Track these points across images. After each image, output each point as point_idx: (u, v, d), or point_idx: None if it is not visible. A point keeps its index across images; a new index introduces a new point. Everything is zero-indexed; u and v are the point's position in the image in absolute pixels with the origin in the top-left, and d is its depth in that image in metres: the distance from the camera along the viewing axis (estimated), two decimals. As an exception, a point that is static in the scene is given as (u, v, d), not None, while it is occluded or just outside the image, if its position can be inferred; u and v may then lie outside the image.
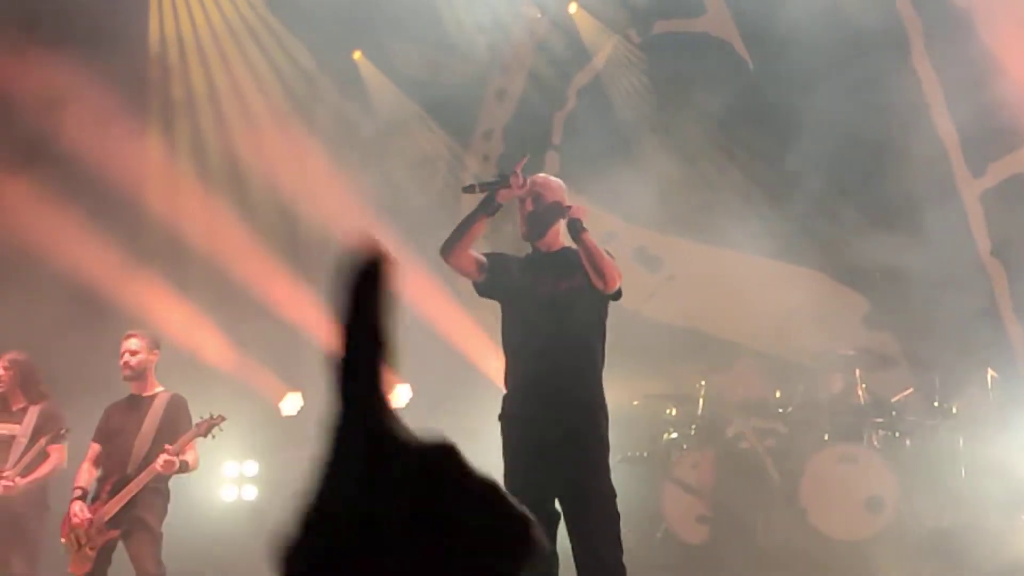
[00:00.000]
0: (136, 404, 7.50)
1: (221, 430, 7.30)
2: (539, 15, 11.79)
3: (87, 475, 7.41)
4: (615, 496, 5.37)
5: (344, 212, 11.38)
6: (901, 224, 9.83)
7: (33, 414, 7.98)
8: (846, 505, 8.63)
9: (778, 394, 9.55)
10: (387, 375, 2.04)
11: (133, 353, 7.46)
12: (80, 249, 10.50)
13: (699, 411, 9.59)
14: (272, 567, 1.85)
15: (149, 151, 11.56)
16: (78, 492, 7.31)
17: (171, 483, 7.43)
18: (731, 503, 9.11)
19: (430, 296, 10.49)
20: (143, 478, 7.16)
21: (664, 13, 11.39)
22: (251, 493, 11.36)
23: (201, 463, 7.57)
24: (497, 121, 12.30)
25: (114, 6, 10.87)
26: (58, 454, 7.98)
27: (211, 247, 11.18)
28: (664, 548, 9.03)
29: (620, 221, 10.64)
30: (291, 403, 11.85)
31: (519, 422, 5.47)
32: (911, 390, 9.42)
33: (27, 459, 7.84)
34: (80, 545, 7.15)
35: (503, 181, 5.54)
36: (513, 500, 1.84)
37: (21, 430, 7.94)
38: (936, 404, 9.05)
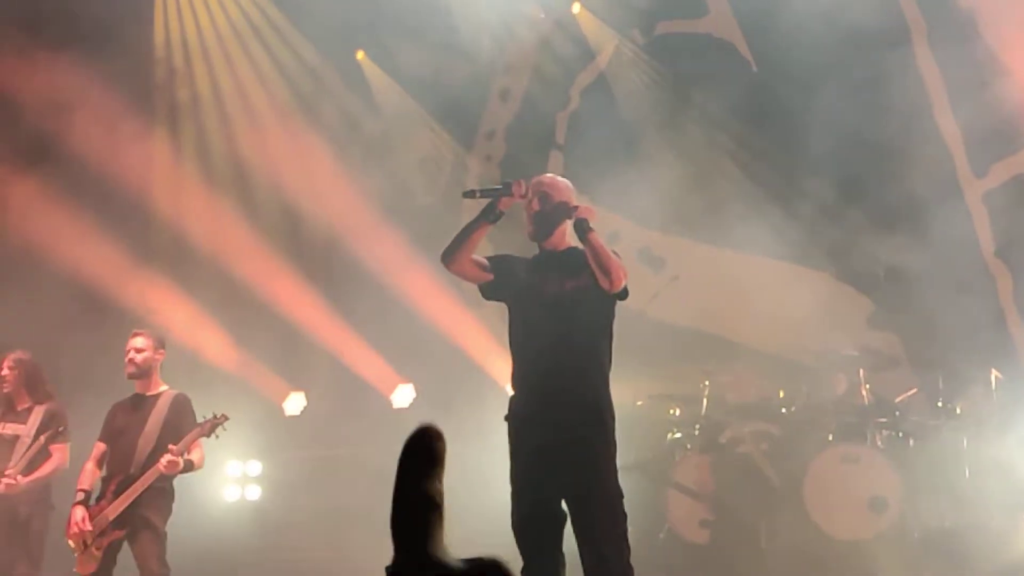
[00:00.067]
0: (140, 403, 7.50)
1: (224, 429, 7.30)
2: (542, 15, 11.80)
3: (90, 476, 7.41)
4: (622, 496, 5.36)
5: (348, 212, 11.40)
6: (905, 225, 9.83)
7: (38, 414, 7.99)
8: (849, 505, 8.63)
9: (782, 394, 9.55)
10: (439, 533, 2.57)
11: (139, 351, 7.47)
12: (85, 249, 10.52)
13: (703, 411, 9.59)
14: None
15: (154, 152, 11.59)
16: (80, 495, 7.30)
17: (175, 483, 7.43)
18: (732, 506, 9.12)
19: (434, 296, 10.49)
20: (147, 478, 7.16)
21: (667, 14, 11.39)
22: (254, 493, 11.38)
23: (205, 462, 7.57)
24: (500, 121, 12.31)
25: (119, 8, 10.90)
26: (60, 454, 7.98)
27: (215, 247, 11.21)
28: (667, 549, 9.05)
29: (624, 221, 10.65)
30: (294, 403, 11.87)
31: (525, 423, 5.46)
32: (915, 390, 9.42)
33: (29, 457, 7.85)
34: (86, 545, 7.16)
35: (505, 189, 5.53)
36: None
37: (25, 430, 7.95)
38: (940, 404, 9.05)
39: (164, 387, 7.56)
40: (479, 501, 9.19)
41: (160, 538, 7.24)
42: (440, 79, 11.98)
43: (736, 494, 9.16)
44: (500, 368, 10.68)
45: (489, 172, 12.20)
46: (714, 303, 10.35)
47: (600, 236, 5.55)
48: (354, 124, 12.28)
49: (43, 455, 7.92)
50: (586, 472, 5.31)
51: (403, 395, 11.60)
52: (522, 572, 5.33)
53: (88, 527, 7.12)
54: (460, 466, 10.27)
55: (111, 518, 7.15)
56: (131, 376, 7.51)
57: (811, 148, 10.10)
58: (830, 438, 9.05)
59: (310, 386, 11.85)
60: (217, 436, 7.30)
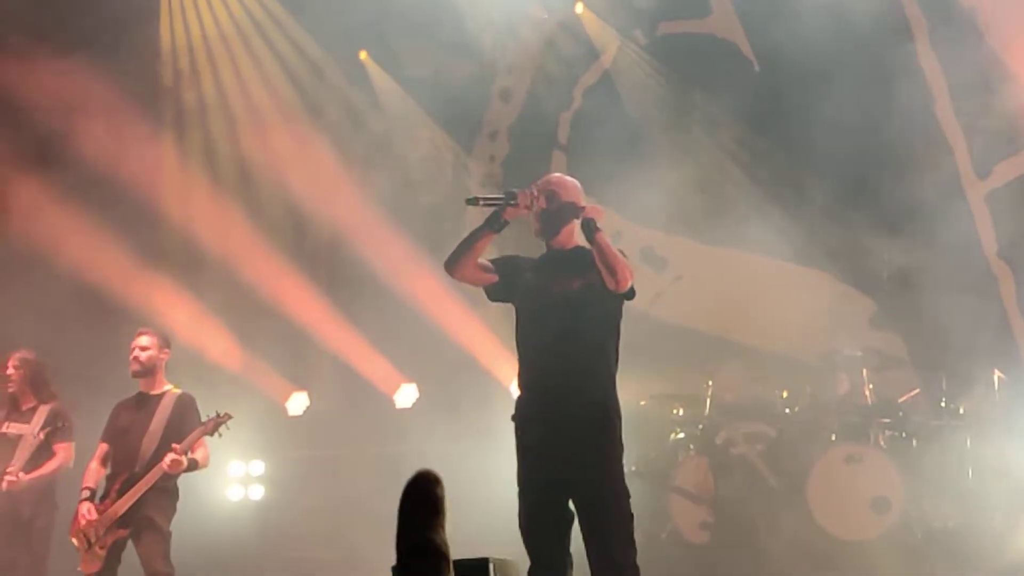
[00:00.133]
0: (144, 402, 7.51)
1: (228, 428, 7.32)
2: (545, 16, 11.80)
3: (95, 474, 7.42)
4: (628, 496, 5.35)
5: (351, 212, 11.41)
6: (908, 225, 9.84)
7: (42, 414, 8.00)
8: (852, 505, 8.62)
9: (785, 394, 9.55)
10: None
11: (143, 349, 7.49)
12: (90, 250, 10.54)
13: (706, 411, 9.60)
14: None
15: (160, 153, 11.60)
16: (86, 493, 7.32)
17: (178, 482, 7.44)
18: (731, 508, 9.13)
19: (437, 296, 10.50)
20: (151, 477, 7.17)
21: (670, 14, 11.40)
22: (257, 492, 11.39)
23: (209, 461, 7.58)
24: (503, 121, 12.31)
25: (126, 11, 10.91)
26: (64, 452, 7.99)
27: (220, 247, 11.23)
28: (670, 549, 9.06)
29: (626, 221, 10.65)
30: (297, 403, 11.88)
31: (532, 422, 5.45)
32: (918, 391, 9.42)
33: (30, 454, 7.86)
34: (90, 544, 7.17)
35: (510, 198, 5.52)
36: None
37: (29, 429, 7.96)
38: (943, 405, 9.05)
39: (168, 386, 7.57)
40: (484, 501, 9.23)
41: (164, 537, 7.26)
42: (443, 79, 11.99)
43: (734, 496, 9.17)
44: (503, 368, 10.71)
45: (492, 172, 12.20)
46: (717, 303, 10.34)
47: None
48: (358, 124, 12.29)
49: (46, 453, 7.93)
50: (593, 472, 5.31)
51: (406, 395, 11.61)
52: (529, 572, 5.34)
53: (94, 516, 7.14)
54: (464, 466, 10.34)
55: (115, 517, 7.16)
56: (135, 374, 7.52)
57: (813, 148, 10.11)
58: (833, 438, 9.05)
59: (313, 386, 11.87)
60: (220, 435, 7.31)
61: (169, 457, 7.12)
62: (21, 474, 7.79)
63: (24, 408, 8.08)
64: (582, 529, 5.33)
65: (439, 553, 2.36)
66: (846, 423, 9.10)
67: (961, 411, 9.00)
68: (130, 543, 7.29)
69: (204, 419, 7.33)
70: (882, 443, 9.02)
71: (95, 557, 7.19)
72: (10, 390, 8.09)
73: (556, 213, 5.59)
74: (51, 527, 7.98)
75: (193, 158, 12.04)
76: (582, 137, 11.64)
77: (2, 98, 10.71)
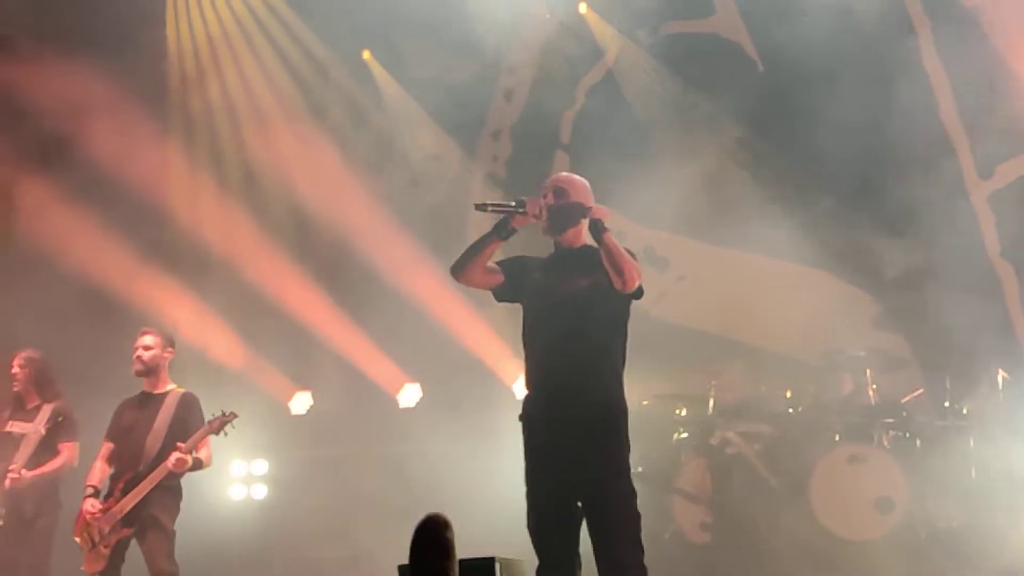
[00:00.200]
0: (148, 401, 7.52)
1: (233, 427, 7.32)
2: (548, 15, 11.80)
3: (99, 473, 7.43)
4: (635, 495, 5.34)
5: (355, 211, 11.41)
6: (911, 225, 9.85)
7: (46, 412, 8.01)
8: (856, 505, 8.62)
9: (789, 394, 9.55)
10: None
11: (147, 348, 7.50)
12: (95, 250, 10.56)
13: (709, 411, 9.61)
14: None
15: (165, 154, 11.60)
16: (90, 490, 7.34)
17: (182, 481, 7.44)
18: (730, 508, 9.14)
19: (440, 296, 10.50)
20: (155, 476, 7.18)
21: (673, 14, 11.39)
22: (260, 492, 11.39)
23: (212, 461, 7.58)
24: (506, 121, 12.31)
25: (132, 13, 10.92)
26: (69, 451, 8.00)
27: (224, 247, 11.22)
28: (673, 549, 9.06)
29: (629, 221, 10.64)
30: (300, 402, 11.87)
31: (539, 422, 5.44)
32: (921, 391, 9.43)
33: (33, 451, 7.86)
34: (94, 543, 7.17)
35: (519, 206, 5.52)
36: None
37: (32, 428, 7.97)
38: (946, 405, 9.05)
39: (172, 386, 7.58)
40: (488, 500, 9.23)
41: (168, 536, 7.26)
42: (446, 79, 11.98)
43: (733, 496, 9.17)
44: (506, 368, 10.72)
45: (495, 172, 12.20)
46: (720, 303, 10.34)
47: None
48: (361, 124, 12.29)
49: (49, 451, 7.94)
50: (600, 472, 5.30)
51: (409, 395, 11.60)
52: (537, 572, 5.33)
53: (97, 509, 7.14)
54: (468, 466, 10.37)
55: (119, 516, 7.16)
56: (138, 373, 7.53)
57: (816, 149, 10.12)
58: (837, 438, 9.05)
59: (316, 385, 11.85)
60: (226, 434, 7.31)
61: (174, 456, 7.12)
62: (24, 471, 7.80)
63: (29, 407, 8.10)
64: (589, 529, 5.32)
65: None
66: (850, 423, 9.10)
67: (965, 411, 9.01)
68: (134, 542, 7.29)
69: (208, 418, 7.33)
70: (886, 443, 9.02)
71: (99, 556, 7.20)
72: (15, 389, 8.11)
73: (563, 211, 5.59)
74: (54, 526, 7.98)
75: (198, 158, 12.04)
76: (585, 137, 11.64)
77: (8, 99, 10.72)
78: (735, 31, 11.14)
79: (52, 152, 11.00)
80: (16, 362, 8.12)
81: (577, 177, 5.78)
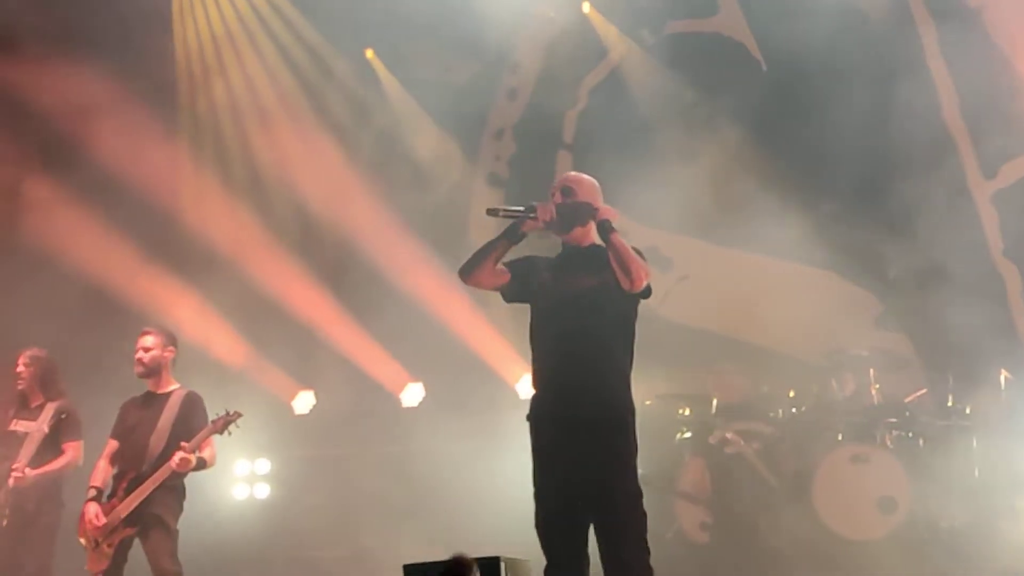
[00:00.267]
0: (151, 401, 7.51)
1: (238, 426, 7.30)
2: (551, 15, 11.80)
3: (103, 473, 7.42)
4: (641, 496, 5.34)
5: (358, 211, 11.42)
6: (914, 225, 9.85)
7: (49, 411, 8.02)
8: (859, 505, 8.63)
9: (791, 394, 9.56)
10: None
11: (146, 350, 7.48)
12: (100, 250, 10.58)
13: (712, 411, 9.62)
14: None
15: (170, 154, 11.60)
16: (92, 492, 7.32)
17: (185, 480, 7.44)
18: (730, 508, 9.14)
19: (443, 295, 10.50)
20: (159, 475, 7.17)
21: (677, 13, 11.40)
22: (263, 491, 11.39)
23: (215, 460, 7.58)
24: (508, 120, 12.31)
25: (137, 15, 10.93)
26: (73, 451, 8.00)
27: (227, 246, 11.23)
28: (676, 549, 9.07)
29: (632, 221, 10.64)
30: (303, 401, 11.88)
31: (546, 422, 5.43)
32: (924, 391, 9.42)
33: (37, 450, 7.87)
34: (97, 543, 7.17)
35: (529, 211, 5.52)
36: None
37: (36, 426, 7.97)
38: (949, 405, 9.06)
39: (175, 385, 7.56)
40: (492, 500, 9.25)
41: (172, 535, 7.25)
42: (449, 78, 11.99)
43: (732, 495, 9.18)
44: (509, 367, 10.72)
45: (498, 171, 12.21)
46: (723, 303, 10.36)
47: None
48: (364, 123, 12.30)
49: (53, 450, 7.94)
50: (606, 472, 5.29)
51: (412, 394, 11.60)
52: (545, 572, 5.33)
53: (102, 522, 7.14)
54: (471, 465, 10.36)
55: (123, 515, 7.16)
56: (140, 375, 7.52)
57: (820, 149, 10.13)
58: (840, 438, 9.06)
59: (319, 385, 11.86)
60: (230, 433, 7.30)
61: (178, 455, 7.12)
62: (28, 470, 7.80)
63: (32, 405, 8.10)
64: (595, 529, 5.31)
65: None
66: (852, 423, 9.11)
67: (968, 411, 9.02)
68: (137, 541, 7.29)
69: (212, 417, 7.32)
70: (889, 443, 9.02)
71: (102, 555, 7.19)
72: (19, 387, 8.11)
73: (571, 210, 5.59)
74: (56, 525, 7.98)
75: (203, 158, 12.05)
76: (588, 136, 11.64)
77: (14, 100, 10.74)
78: (739, 30, 11.15)
79: (57, 152, 11.02)
80: (21, 361, 8.13)
81: (586, 177, 5.78)
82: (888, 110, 9.97)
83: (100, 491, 7.32)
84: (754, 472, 9.21)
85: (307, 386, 11.89)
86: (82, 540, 7.28)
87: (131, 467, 7.30)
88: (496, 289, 5.69)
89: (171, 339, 7.61)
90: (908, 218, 9.95)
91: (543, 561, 5.35)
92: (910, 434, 9.10)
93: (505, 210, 5.57)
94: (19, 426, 8.01)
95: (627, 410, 5.44)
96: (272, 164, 11.97)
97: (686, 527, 9.30)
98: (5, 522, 7.83)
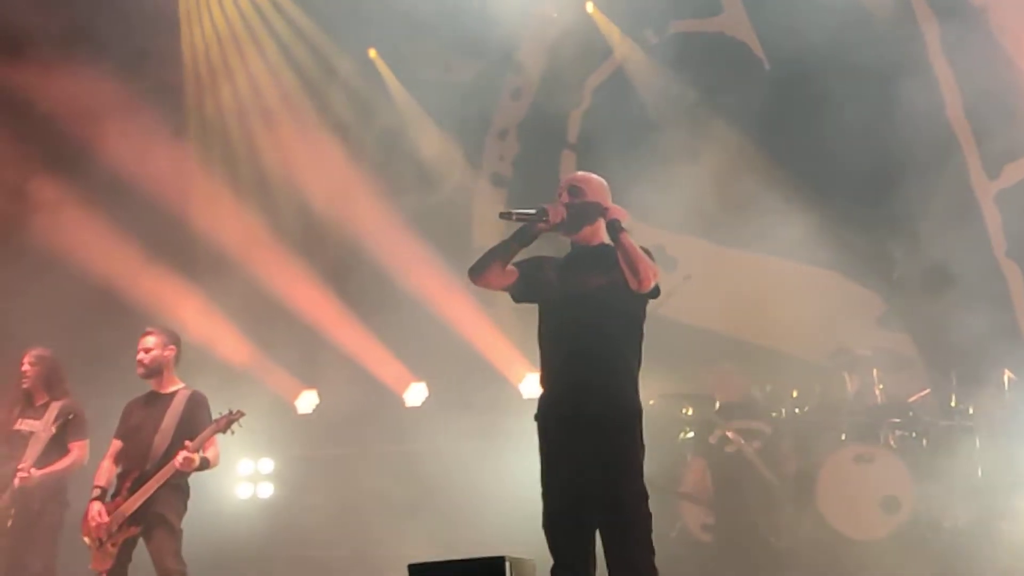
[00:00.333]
0: (155, 400, 7.51)
1: (240, 426, 7.31)
2: (555, 14, 11.80)
3: (107, 472, 7.42)
4: (647, 497, 5.34)
5: (361, 211, 11.43)
6: (917, 225, 9.85)
7: (54, 410, 8.02)
8: (862, 505, 8.63)
9: (795, 394, 9.57)
10: None
11: (147, 351, 7.48)
12: (106, 251, 10.61)
13: (715, 411, 9.62)
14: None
15: (175, 155, 11.61)
16: (97, 491, 7.32)
17: (189, 479, 7.45)
18: (731, 508, 9.14)
19: (447, 295, 10.51)
20: (163, 475, 7.17)
21: (680, 13, 11.40)
22: (266, 490, 11.41)
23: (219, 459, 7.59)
24: (512, 120, 12.32)
25: (143, 19, 10.95)
26: (79, 450, 8.01)
27: (231, 246, 11.24)
28: (680, 548, 9.08)
29: (636, 221, 10.64)
30: (307, 401, 11.89)
31: (554, 422, 5.43)
32: (928, 391, 9.43)
33: (43, 451, 7.88)
34: (101, 542, 7.18)
35: (540, 214, 5.53)
36: None
37: (40, 425, 7.98)
38: (953, 405, 9.07)
39: (180, 384, 7.56)
40: (496, 499, 9.25)
41: (176, 535, 7.25)
42: (452, 78, 12.00)
43: (734, 495, 9.18)
44: (512, 367, 10.73)
45: (501, 171, 12.21)
46: (726, 303, 10.36)
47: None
48: (368, 123, 12.31)
49: (59, 450, 7.95)
50: (613, 473, 5.28)
51: (415, 394, 11.62)
52: (552, 572, 5.33)
53: (105, 519, 7.15)
54: (475, 465, 10.34)
55: (127, 514, 7.17)
56: (142, 376, 7.52)
57: (823, 148, 10.12)
58: (843, 438, 9.06)
59: (322, 384, 11.88)
60: (233, 432, 7.31)
61: (182, 455, 7.12)
62: (33, 470, 7.81)
63: (37, 404, 8.11)
64: (600, 529, 5.31)
65: None
66: (856, 423, 9.11)
67: (971, 411, 9.02)
68: (141, 541, 7.30)
69: (216, 416, 7.33)
70: (892, 443, 9.02)
71: (106, 555, 7.19)
72: (24, 386, 8.13)
73: (579, 209, 5.59)
74: (60, 524, 7.98)
75: (209, 159, 12.06)
76: (592, 136, 11.64)
77: (23, 102, 10.78)
78: (742, 30, 11.16)
79: (64, 153, 11.04)
80: (26, 360, 8.14)
81: (594, 176, 5.77)
82: (891, 110, 9.96)
83: (104, 490, 7.33)
84: (755, 472, 9.21)
85: (310, 386, 11.91)
86: (86, 539, 7.28)
87: (135, 466, 7.31)
88: (505, 289, 5.69)
89: (172, 338, 7.60)
90: (911, 218, 9.95)
91: (548, 561, 5.35)
92: (913, 434, 9.10)
93: (518, 214, 5.58)
94: (24, 425, 8.02)
95: (634, 410, 5.44)
96: (277, 164, 11.99)
97: (690, 527, 9.32)
98: (10, 522, 7.83)
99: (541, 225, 5.52)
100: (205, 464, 7.29)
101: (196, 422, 7.36)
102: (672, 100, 11.18)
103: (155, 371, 7.49)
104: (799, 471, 9.12)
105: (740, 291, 10.24)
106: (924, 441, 9.09)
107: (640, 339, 5.58)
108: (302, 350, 11.61)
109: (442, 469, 10.27)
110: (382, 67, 12.31)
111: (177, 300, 10.71)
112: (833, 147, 10.02)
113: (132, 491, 7.20)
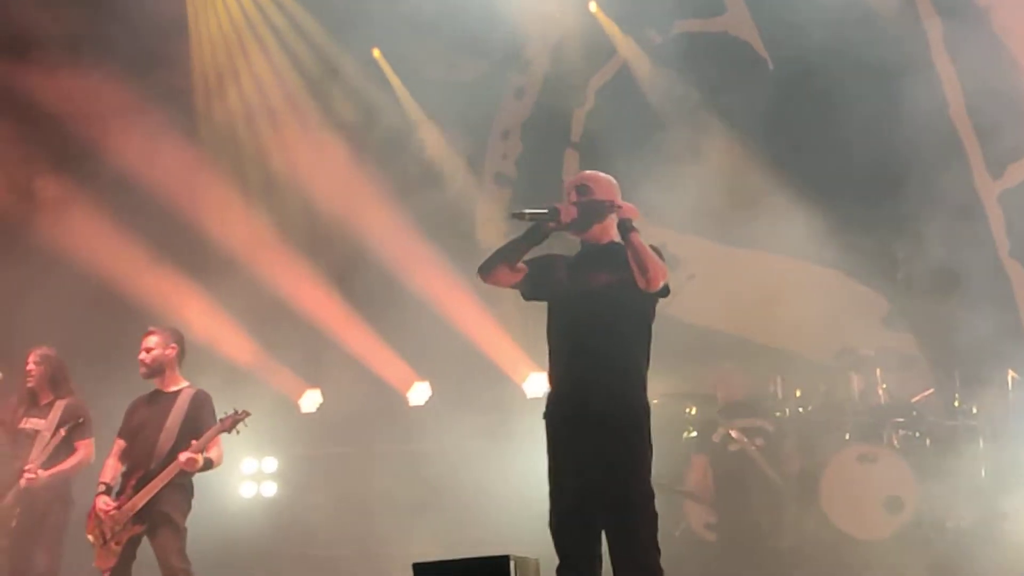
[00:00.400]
0: (159, 399, 7.51)
1: (246, 425, 7.31)
2: (558, 14, 11.81)
3: (112, 471, 7.43)
4: (654, 496, 5.34)
5: (365, 210, 11.44)
6: (921, 225, 9.84)
7: (58, 409, 8.03)
8: (865, 505, 8.64)
9: (798, 393, 9.57)
10: None
11: (148, 351, 7.48)
12: (111, 251, 10.63)
13: (719, 410, 9.63)
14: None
15: (182, 156, 11.62)
16: (102, 487, 7.34)
17: (193, 478, 7.45)
18: (733, 507, 9.15)
19: (451, 294, 10.52)
20: (167, 474, 7.18)
21: (684, 13, 11.40)
22: (270, 489, 11.42)
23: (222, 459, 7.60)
24: (516, 119, 12.33)
25: (154, 23, 10.97)
26: (85, 449, 8.01)
27: (236, 245, 11.26)
28: (684, 547, 9.08)
29: (639, 220, 10.67)
30: (310, 400, 11.91)
31: (562, 421, 5.43)
32: (931, 391, 9.43)
33: (49, 451, 7.89)
34: (105, 540, 7.19)
35: (552, 214, 5.53)
36: None
37: (45, 424, 7.99)
38: (956, 405, 9.07)
39: (184, 383, 7.56)
40: (500, 498, 9.26)
41: (180, 533, 7.26)
42: (455, 77, 12.00)
43: (736, 494, 9.18)
44: (516, 366, 10.74)
45: (505, 171, 12.22)
46: (730, 302, 10.36)
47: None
48: (371, 123, 12.31)
49: (65, 450, 7.96)
50: (621, 472, 5.28)
51: (419, 393, 11.63)
52: (558, 571, 5.32)
53: (111, 508, 7.15)
54: (478, 464, 10.34)
55: (131, 513, 7.17)
56: (144, 376, 7.52)
57: (826, 149, 10.12)
58: (847, 437, 9.07)
59: (326, 383, 11.89)
60: (238, 432, 7.31)
61: (185, 455, 7.13)
62: (40, 471, 7.82)
63: (42, 403, 8.12)
64: (606, 528, 5.30)
65: None
66: (860, 423, 9.12)
67: (975, 411, 9.02)
68: (145, 539, 7.31)
69: (221, 416, 7.33)
70: (896, 443, 9.03)
71: (110, 553, 7.20)
72: (29, 385, 8.13)
73: (587, 208, 5.59)
74: (65, 524, 7.99)
75: (215, 160, 12.07)
76: (595, 135, 11.65)
77: (30, 103, 10.80)
78: (745, 30, 11.15)
79: (71, 154, 11.07)
80: (31, 359, 8.15)
81: (603, 175, 5.77)
82: (895, 109, 9.96)
83: (109, 487, 7.34)
84: (759, 471, 9.21)
85: (314, 385, 11.92)
86: (90, 537, 7.29)
87: (140, 465, 7.31)
88: (514, 287, 5.69)
89: (174, 337, 7.59)
90: (915, 218, 9.93)
91: (553, 560, 5.35)
92: (917, 434, 9.11)
93: (530, 213, 5.59)
94: (29, 424, 8.03)
95: (643, 409, 5.44)
96: (282, 165, 12.00)
97: (693, 526, 9.33)
98: (14, 523, 7.84)
99: (551, 224, 5.52)
100: (209, 464, 7.30)
101: (200, 421, 7.36)
102: (675, 100, 11.19)
103: (157, 370, 7.49)
104: (803, 470, 9.12)
105: (743, 290, 10.24)
106: (928, 441, 9.09)
107: (649, 338, 5.58)
108: (306, 349, 11.62)
109: (446, 468, 10.28)
110: (386, 67, 12.32)
111: (182, 299, 10.73)
112: (837, 147, 10.02)
113: (137, 490, 7.21)
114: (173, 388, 7.52)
